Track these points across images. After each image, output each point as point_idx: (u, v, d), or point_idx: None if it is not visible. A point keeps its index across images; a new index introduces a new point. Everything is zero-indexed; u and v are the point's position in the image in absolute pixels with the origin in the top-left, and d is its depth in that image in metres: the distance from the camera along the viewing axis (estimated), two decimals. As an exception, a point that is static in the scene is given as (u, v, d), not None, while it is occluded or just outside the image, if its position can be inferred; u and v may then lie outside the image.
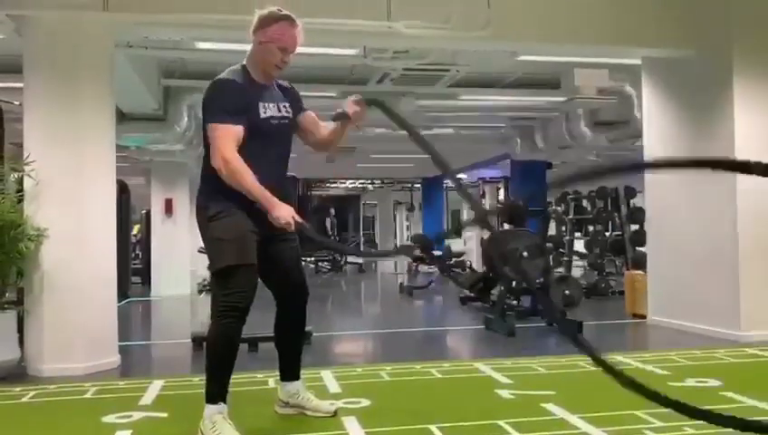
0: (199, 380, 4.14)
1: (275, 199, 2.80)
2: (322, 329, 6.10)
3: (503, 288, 6.34)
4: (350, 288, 12.88)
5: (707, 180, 5.68)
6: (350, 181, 21.14)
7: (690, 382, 3.93)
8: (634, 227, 9.55)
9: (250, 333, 5.37)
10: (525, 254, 6.01)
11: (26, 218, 4.43)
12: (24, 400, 3.77)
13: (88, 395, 3.84)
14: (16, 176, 4.63)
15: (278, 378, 3.31)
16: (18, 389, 3.97)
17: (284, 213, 2.78)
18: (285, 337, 3.24)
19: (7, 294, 4.58)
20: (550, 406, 3.39)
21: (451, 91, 8.43)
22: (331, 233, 20.05)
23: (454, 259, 13.09)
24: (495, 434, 2.97)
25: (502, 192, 18.22)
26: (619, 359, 4.67)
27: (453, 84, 8.17)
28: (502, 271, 6.13)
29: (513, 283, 6.22)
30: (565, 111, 9.76)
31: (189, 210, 10.35)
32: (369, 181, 21.13)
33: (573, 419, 3.16)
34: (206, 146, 2.97)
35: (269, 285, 3.16)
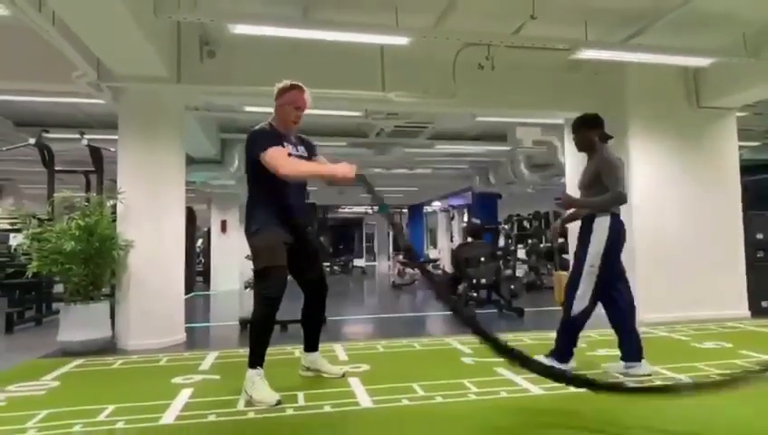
0: (244, 351, 4.10)
1: (330, 166, 2.77)
2: (334, 314, 6.04)
3: (466, 284, 6.30)
4: (356, 285, 12.79)
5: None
6: (356, 207, 21.10)
7: (601, 352, 3.92)
8: (561, 239, 9.53)
9: (281, 318, 5.35)
10: (483, 259, 5.98)
11: (118, 233, 4.40)
12: (114, 366, 3.73)
13: (161, 363, 3.81)
14: (111, 202, 4.61)
15: (302, 349, 3.29)
16: (110, 359, 3.94)
17: (343, 170, 2.68)
18: (310, 320, 3.23)
19: (103, 289, 4.53)
20: (500, 370, 3.37)
21: (429, 142, 8.47)
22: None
23: (431, 263, 13.01)
24: (460, 389, 2.94)
25: (466, 215, 18.21)
26: (551, 335, 4.62)
27: (430, 137, 8.20)
28: (465, 272, 6.08)
29: (474, 280, 6.17)
30: (510, 157, 9.81)
31: (238, 228, 10.32)
32: (370, 207, 21.05)
33: (517, 379, 3.15)
34: (249, 180, 2.97)
35: (298, 282, 3.14)
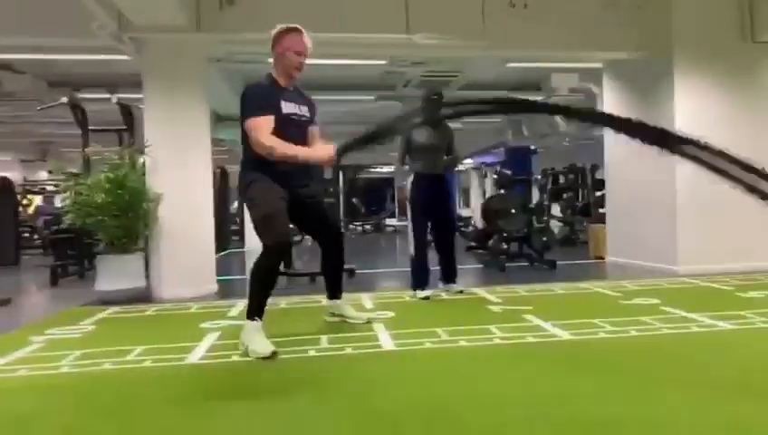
0: (271, 300, 4.15)
1: (311, 150, 2.71)
2: (363, 267, 6.04)
3: (497, 237, 6.15)
4: (387, 242, 12.81)
5: (651, 157, 5.41)
6: (386, 167, 20.91)
7: (636, 301, 3.75)
8: (598, 193, 9.21)
9: (310, 270, 5.38)
10: (513, 211, 5.81)
11: (148, 187, 4.45)
12: (147, 313, 3.83)
13: (192, 310, 3.88)
14: (143, 159, 4.63)
15: (327, 297, 3.26)
16: (144, 306, 4.04)
17: (324, 152, 2.66)
18: (329, 269, 3.18)
19: (139, 242, 4.63)
20: (529, 316, 3.29)
21: (459, 94, 8.17)
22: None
23: (463, 221, 12.82)
24: (486, 335, 2.86)
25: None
26: (584, 285, 4.49)
27: (460, 87, 7.91)
28: (495, 224, 5.93)
29: (504, 233, 6.03)
30: (545, 107, 9.39)
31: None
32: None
33: (546, 325, 3.06)
34: (243, 137, 2.72)
35: (312, 235, 3.08)
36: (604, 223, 6.63)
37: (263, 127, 2.60)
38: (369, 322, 3.19)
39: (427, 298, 3.99)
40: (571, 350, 2.60)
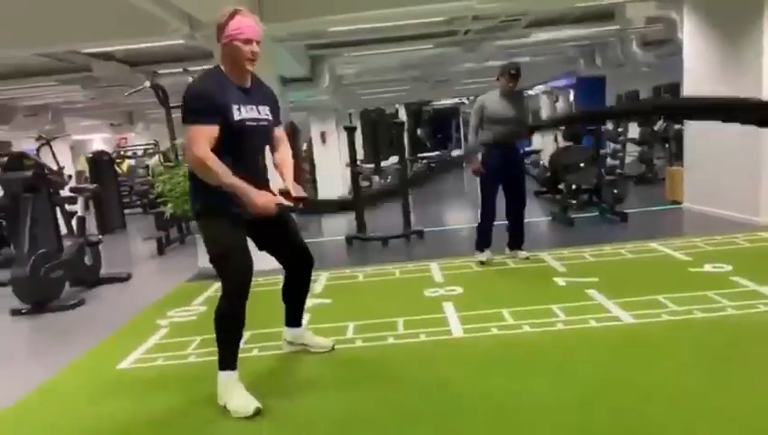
0: (351, 271, 4.49)
1: (253, 190, 2.17)
2: (431, 225, 6.18)
3: (565, 191, 6.10)
4: (455, 182, 12.77)
5: (735, 89, 5.03)
6: (450, 100, 20.50)
7: (707, 268, 3.73)
8: (677, 126, 8.63)
9: (382, 234, 5.68)
10: (582, 165, 5.71)
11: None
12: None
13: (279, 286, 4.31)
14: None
15: (285, 324, 2.84)
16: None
17: (263, 201, 2.18)
18: (292, 295, 2.74)
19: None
20: (592, 292, 3.39)
21: (525, 31, 7.71)
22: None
23: (532, 154, 12.46)
24: (549, 317, 3.05)
25: (572, 96, 16.84)
26: (653, 246, 4.47)
27: (527, 25, 7.48)
28: (564, 179, 5.87)
29: (573, 187, 5.95)
30: (619, 37, 8.72)
31: (337, 138, 10.69)
32: (465, 97, 20.27)
33: (609, 304, 3.17)
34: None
35: (276, 258, 2.60)
36: (682, 161, 6.35)
37: (199, 137, 2.12)
38: (333, 348, 2.83)
39: (483, 263, 4.28)
40: (632, 336, 2.74)
